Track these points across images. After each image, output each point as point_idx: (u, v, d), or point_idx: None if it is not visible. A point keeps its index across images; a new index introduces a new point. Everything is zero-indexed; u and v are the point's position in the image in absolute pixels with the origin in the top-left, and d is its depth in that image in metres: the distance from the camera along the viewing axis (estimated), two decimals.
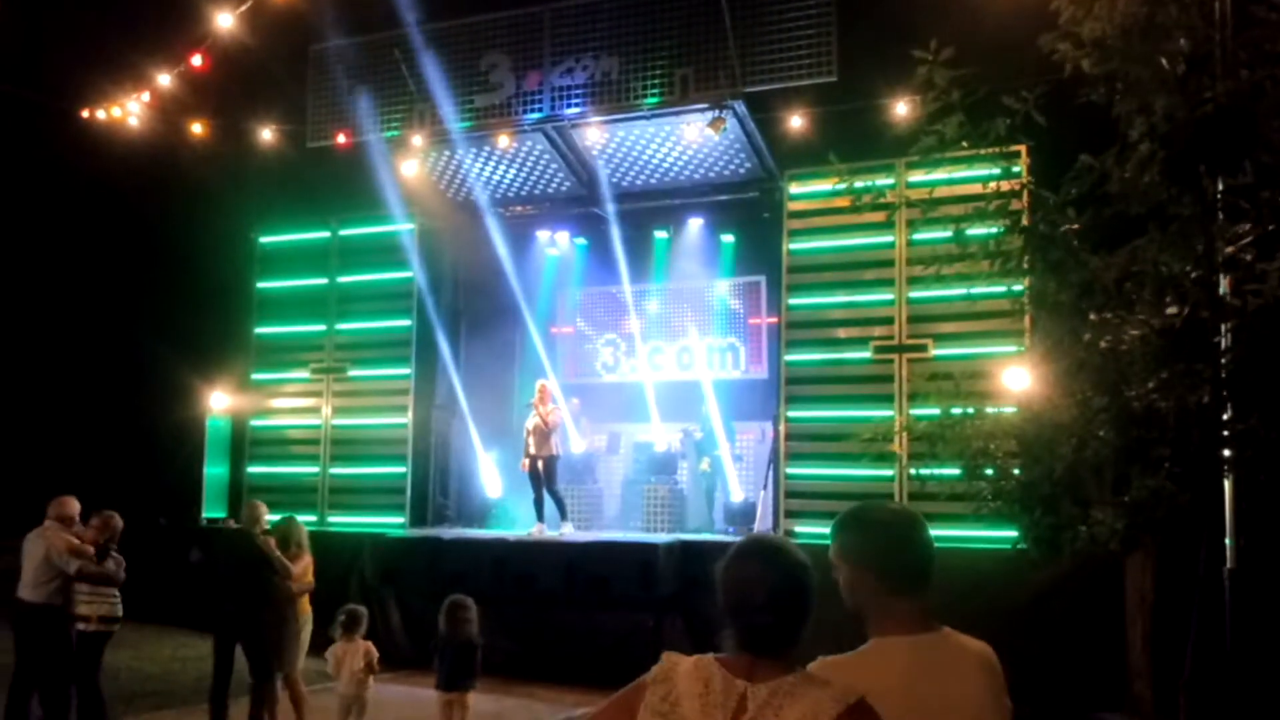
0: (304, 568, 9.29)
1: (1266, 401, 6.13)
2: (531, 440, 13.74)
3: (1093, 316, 6.66)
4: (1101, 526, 6.56)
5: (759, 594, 2.42)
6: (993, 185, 6.92)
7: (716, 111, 12.83)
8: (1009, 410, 7.55)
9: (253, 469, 15.81)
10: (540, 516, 13.83)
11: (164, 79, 14.22)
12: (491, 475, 15.83)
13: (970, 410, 7.34)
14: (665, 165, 14.40)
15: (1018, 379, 7.74)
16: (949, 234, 7.11)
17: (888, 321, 12.53)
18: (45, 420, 17.04)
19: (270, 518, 9.70)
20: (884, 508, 2.91)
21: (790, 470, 12.87)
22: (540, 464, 13.69)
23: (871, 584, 2.70)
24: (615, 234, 15.31)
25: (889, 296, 12.51)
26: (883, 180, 9.83)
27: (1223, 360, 6.20)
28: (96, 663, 8.79)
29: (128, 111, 14.81)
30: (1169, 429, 6.40)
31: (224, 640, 8.86)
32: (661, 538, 13.15)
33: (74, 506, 8.88)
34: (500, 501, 15.66)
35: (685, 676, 2.45)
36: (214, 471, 15.87)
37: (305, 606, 9.30)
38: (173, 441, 16.10)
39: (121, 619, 8.85)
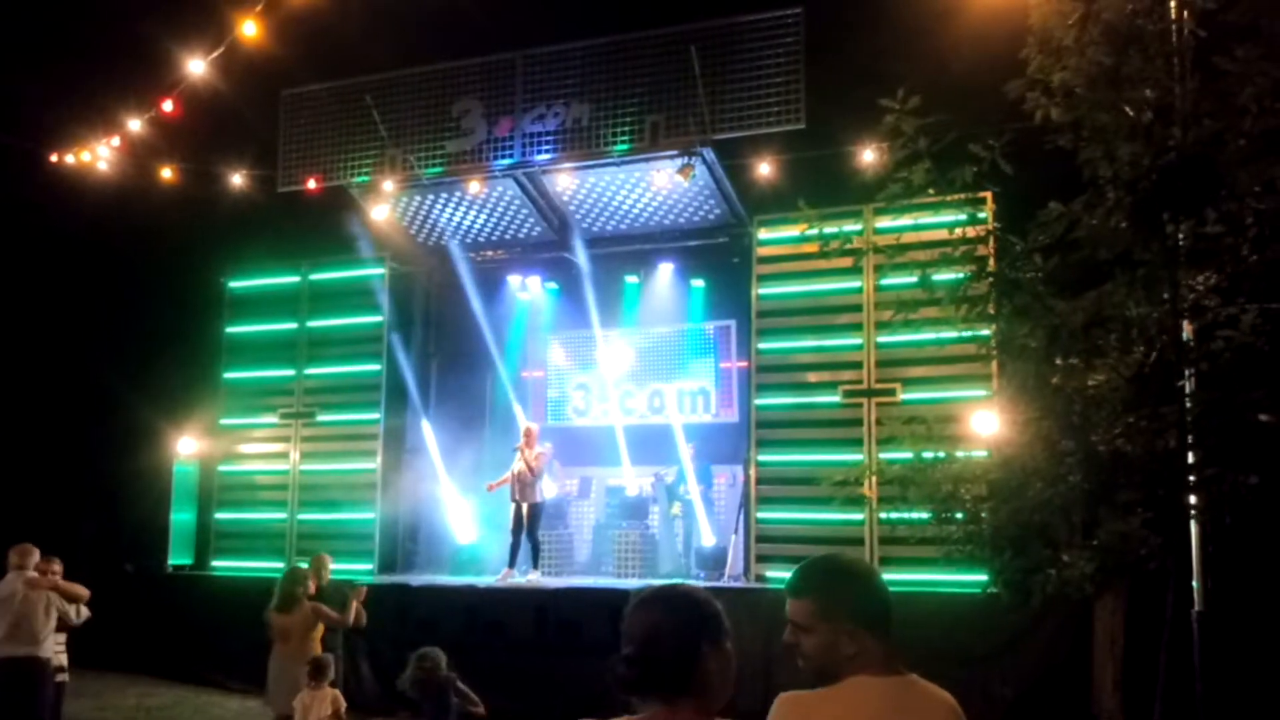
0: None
1: (1232, 446, 6.17)
2: (516, 486, 13.63)
3: (1060, 361, 6.70)
4: (1071, 569, 6.57)
5: (666, 641, 2.39)
6: (959, 231, 6.98)
7: (686, 158, 12.91)
8: (978, 454, 7.59)
9: (220, 515, 15.62)
10: (512, 563, 13.70)
11: (134, 123, 14.16)
12: (461, 521, 15.71)
13: (941, 454, 7.37)
14: (635, 211, 14.48)
15: (986, 423, 7.77)
16: (916, 279, 7.15)
17: (856, 366, 12.59)
18: (8, 465, 16.81)
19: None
20: (843, 556, 2.91)
21: (761, 514, 12.85)
22: (525, 509, 13.59)
23: (858, 635, 2.66)
24: (586, 279, 15.33)
25: (857, 341, 12.58)
26: (850, 226, 9.89)
27: (1188, 405, 6.25)
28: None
29: (97, 155, 14.73)
30: (1137, 473, 6.43)
31: None
32: (633, 583, 13.07)
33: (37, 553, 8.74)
34: (470, 547, 15.55)
35: None
36: (181, 517, 15.68)
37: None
38: (139, 487, 15.92)
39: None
